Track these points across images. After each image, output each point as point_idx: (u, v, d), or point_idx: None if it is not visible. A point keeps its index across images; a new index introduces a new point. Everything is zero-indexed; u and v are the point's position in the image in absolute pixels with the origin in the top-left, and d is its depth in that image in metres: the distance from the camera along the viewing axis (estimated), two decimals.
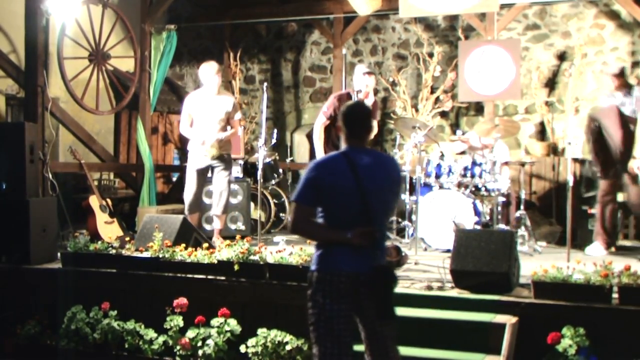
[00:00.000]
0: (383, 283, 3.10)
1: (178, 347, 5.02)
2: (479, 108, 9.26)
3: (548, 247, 7.05)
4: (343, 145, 3.31)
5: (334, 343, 3.11)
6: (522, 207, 6.78)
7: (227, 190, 6.71)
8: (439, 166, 6.73)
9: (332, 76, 9.63)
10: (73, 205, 7.35)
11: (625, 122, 6.22)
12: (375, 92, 9.50)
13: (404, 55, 9.81)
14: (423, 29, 9.55)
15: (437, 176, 6.71)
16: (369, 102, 6.48)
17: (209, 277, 5.18)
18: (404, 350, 3.39)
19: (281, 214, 8.38)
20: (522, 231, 6.60)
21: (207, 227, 7.50)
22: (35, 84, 6.78)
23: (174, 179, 9.95)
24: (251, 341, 4.86)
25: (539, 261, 5.19)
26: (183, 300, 5.11)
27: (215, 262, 5.18)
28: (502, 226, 6.55)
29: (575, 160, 7.04)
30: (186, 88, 10.42)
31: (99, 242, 5.75)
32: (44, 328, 5.56)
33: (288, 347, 4.74)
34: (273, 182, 8.16)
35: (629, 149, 6.18)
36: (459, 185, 6.64)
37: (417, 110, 9.09)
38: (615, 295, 4.27)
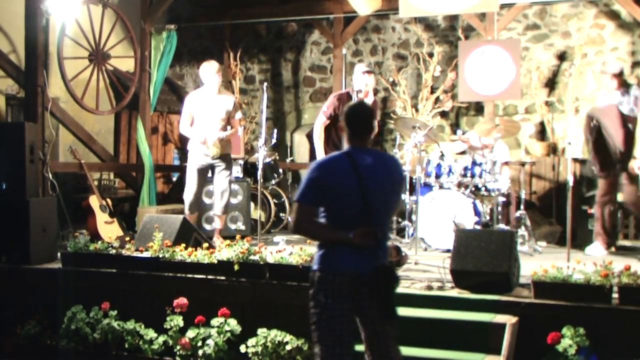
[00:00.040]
0: (385, 283, 3.11)
1: (178, 347, 5.02)
2: (479, 108, 9.26)
3: (548, 247, 7.05)
4: (345, 145, 3.31)
5: (335, 342, 3.11)
6: (522, 207, 6.78)
7: (228, 190, 6.72)
8: (439, 166, 6.73)
9: (332, 76, 9.63)
10: (73, 205, 7.35)
11: (625, 121, 6.22)
12: (375, 92, 9.48)
13: (404, 55, 9.82)
14: (423, 29, 9.55)
15: (437, 176, 6.71)
16: (368, 101, 6.47)
17: (209, 277, 5.18)
18: (404, 350, 3.39)
19: (281, 214, 8.38)
20: (522, 231, 6.60)
21: (207, 227, 7.50)
22: (35, 84, 6.78)
23: (174, 179, 9.95)
24: (251, 341, 4.86)
25: (539, 261, 5.19)
26: (183, 300, 5.11)
27: (215, 262, 5.18)
28: (502, 226, 6.55)
29: (575, 160, 7.04)
30: (186, 88, 10.42)
31: (99, 242, 5.75)
32: (44, 328, 5.56)
33: (288, 347, 4.75)
34: (273, 182, 8.16)
35: (630, 148, 6.18)
36: (459, 185, 6.64)
37: (417, 110, 9.09)
38: (615, 295, 4.27)
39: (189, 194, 6.64)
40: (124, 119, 9.15)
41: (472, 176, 6.56)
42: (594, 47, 8.83)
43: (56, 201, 6.52)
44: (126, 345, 5.23)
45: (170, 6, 9.01)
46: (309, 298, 3.20)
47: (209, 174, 6.83)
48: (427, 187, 6.84)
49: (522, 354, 4.22)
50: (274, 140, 8.34)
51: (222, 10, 9.75)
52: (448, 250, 5.63)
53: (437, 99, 9.11)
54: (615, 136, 6.20)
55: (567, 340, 4.12)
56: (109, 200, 7.26)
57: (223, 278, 5.13)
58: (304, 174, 3.26)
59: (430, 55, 9.15)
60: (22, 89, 7.37)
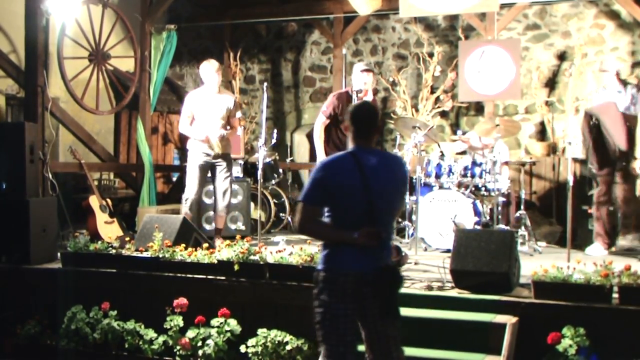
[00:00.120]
0: (389, 283, 3.12)
1: (178, 347, 5.02)
2: (479, 108, 9.26)
3: (548, 247, 7.06)
4: (350, 145, 3.31)
5: (339, 342, 3.13)
6: (522, 207, 6.79)
7: (229, 190, 6.72)
8: (439, 166, 6.73)
9: (332, 76, 9.63)
10: (73, 205, 7.35)
11: (625, 119, 6.22)
12: (375, 92, 9.50)
13: (404, 55, 9.81)
14: (423, 29, 9.55)
15: (437, 176, 6.71)
16: (367, 100, 6.46)
17: (209, 277, 5.18)
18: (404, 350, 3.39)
19: (281, 214, 8.38)
20: (522, 231, 6.60)
21: (207, 227, 7.50)
22: (35, 84, 6.78)
23: (174, 179, 9.95)
24: (251, 341, 4.86)
25: (539, 261, 5.19)
26: (183, 300, 5.11)
27: (215, 262, 5.18)
28: (502, 226, 6.55)
29: (575, 160, 7.03)
30: (186, 88, 10.42)
31: (99, 242, 5.75)
32: (44, 328, 5.56)
33: (288, 347, 4.75)
34: (273, 182, 8.16)
35: (631, 146, 6.18)
36: (459, 185, 6.64)
37: (417, 110, 9.09)
38: (615, 295, 4.27)
39: (190, 193, 6.61)
40: (124, 119, 9.15)
41: (472, 176, 6.57)
42: (594, 47, 8.83)
43: (56, 201, 6.51)
44: (126, 345, 5.23)
45: (170, 6, 9.01)
46: (313, 297, 3.21)
47: (209, 174, 6.83)
48: (427, 187, 6.84)
49: (522, 354, 4.22)
50: (274, 140, 8.33)
51: (222, 10, 9.75)
52: (448, 250, 5.63)
53: (437, 99, 9.11)
54: (615, 134, 6.18)
55: (567, 340, 4.12)
56: (109, 200, 7.26)
57: (223, 278, 5.12)
58: (305, 173, 3.26)
59: (430, 55, 9.14)
60: (22, 89, 7.37)
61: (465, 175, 6.59)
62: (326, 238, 3.24)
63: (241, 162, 8.31)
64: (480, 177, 6.54)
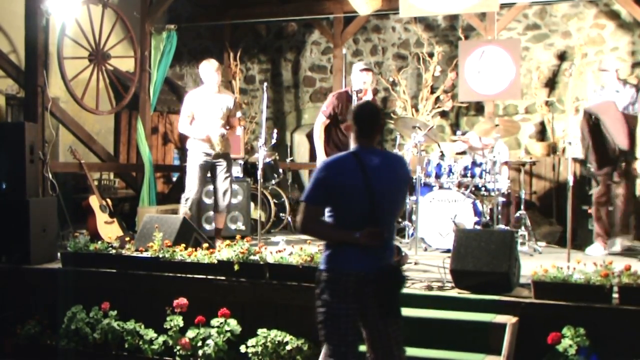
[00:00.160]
0: (391, 282, 3.13)
1: (178, 347, 5.02)
2: (479, 108, 9.26)
3: (548, 247, 7.05)
4: (352, 145, 3.31)
5: (341, 341, 3.14)
6: (522, 207, 6.79)
7: (230, 190, 6.71)
8: (439, 166, 6.73)
9: (332, 76, 9.63)
10: (73, 205, 7.35)
11: (626, 118, 6.21)
12: (375, 92, 9.51)
13: (404, 55, 9.81)
14: (423, 29, 9.55)
15: (437, 176, 6.71)
16: (367, 99, 6.45)
17: (209, 277, 5.18)
18: None
19: (281, 214, 8.38)
20: (522, 231, 6.60)
21: (207, 227, 7.50)
22: (35, 84, 6.78)
23: (174, 179, 9.95)
24: (251, 341, 4.86)
25: (539, 261, 5.19)
26: (183, 300, 5.11)
27: (215, 262, 5.18)
28: (502, 226, 6.55)
29: (575, 160, 7.03)
30: (186, 88, 10.41)
31: (99, 242, 5.75)
32: (44, 328, 5.56)
33: (288, 347, 4.74)
34: (273, 182, 8.16)
35: (632, 146, 6.18)
36: (459, 185, 6.64)
37: (417, 110, 9.09)
38: (615, 295, 4.27)
39: (190, 192, 6.60)
40: (124, 119, 9.15)
41: (472, 176, 6.57)
42: (594, 47, 8.83)
43: (56, 201, 6.52)
44: (126, 345, 5.23)
45: (170, 6, 9.01)
46: (315, 297, 3.21)
47: (208, 174, 6.82)
48: (427, 187, 6.84)
49: (522, 354, 4.22)
50: (274, 140, 8.33)
51: (222, 10, 9.74)
52: (448, 250, 5.63)
53: (437, 99, 9.11)
54: (615, 134, 6.17)
55: (567, 340, 4.12)
56: (109, 200, 7.26)
57: (223, 278, 5.12)
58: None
59: (431, 55, 9.14)
60: (22, 89, 7.37)
61: (465, 175, 6.59)
62: (328, 238, 3.24)
63: (241, 162, 8.31)
64: (480, 177, 6.54)
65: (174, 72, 10.83)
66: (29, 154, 6.05)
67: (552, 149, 8.50)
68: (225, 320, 4.98)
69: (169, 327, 5.10)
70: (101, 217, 7.03)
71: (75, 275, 5.62)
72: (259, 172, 6.61)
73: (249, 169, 8.29)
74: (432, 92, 9.13)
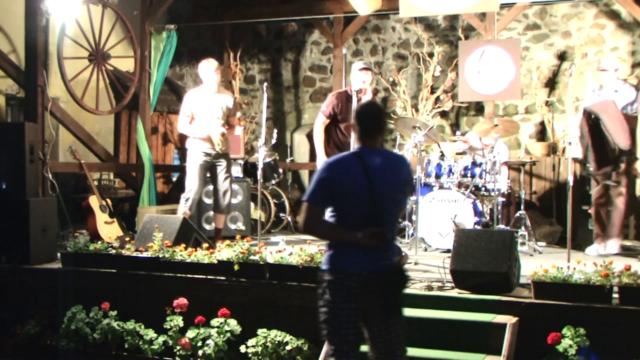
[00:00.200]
0: (394, 282, 3.13)
1: (178, 347, 5.02)
2: (479, 108, 9.26)
3: (548, 247, 7.05)
4: (355, 144, 3.31)
5: (343, 341, 3.14)
6: (522, 207, 6.78)
7: (230, 190, 6.71)
8: (439, 166, 6.73)
9: (332, 76, 9.62)
10: (73, 205, 7.35)
11: (626, 117, 6.21)
12: (375, 92, 9.52)
13: (404, 55, 9.81)
14: (423, 29, 9.55)
15: (437, 176, 6.71)
16: (366, 99, 6.45)
17: (209, 277, 5.18)
18: None
19: (281, 214, 8.39)
20: (522, 231, 6.60)
21: (207, 227, 7.50)
22: (35, 84, 6.78)
23: (174, 179, 9.94)
24: (251, 341, 4.86)
25: (539, 261, 5.19)
26: (183, 300, 5.11)
27: (215, 262, 5.18)
28: (502, 226, 6.55)
29: (575, 160, 7.03)
30: (186, 88, 10.40)
31: (99, 242, 5.76)
32: (44, 328, 5.56)
33: (288, 347, 4.75)
34: (273, 182, 8.16)
35: (633, 145, 6.17)
36: (459, 185, 6.64)
37: (417, 110, 9.09)
38: (615, 295, 4.27)
39: (190, 192, 6.60)
40: (124, 119, 9.15)
41: (472, 176, 6.57)
42: (594, 47, 8.83)
43: (56, 201, 6.52)
44: (126, 346, 5.23)
45: (170, 6, 9.00)
46: (317, 297, 3.21)
47: (208, 174, 6.82)
48: (427, 187, 6.84)
49: (522, 354, 4.22)
50: (274, 140, 8.34)
51: (222, 10, 9.74)
52: (448, 251, 5.63)
53: (437, 99, 9.11)
54: (615, 133, 6.15)
55: (567, 340, 4.12)
56: (109, 200, 7.26)
57: (223, 278, 5.13)
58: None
59: (430, 55, 9.14)
60: (22, 89, 7.37)
61: (465, 175, 6.59)
62: (331, 238, 3.24)
63: (241, 162, 8.31)
64: (480, 177, 6.54)
65: (174, 72, 10.83)
66: (29, 154, 6.05)
67: (552, 149, 8.49)
68: (225, 321, 4.98)
69: (169, 327, 5.10)
70: (101, 217, 7.03)
71: (75, 275, 5.62)
72: (259, 172, 6.61)
73: (249, 169, 8.28)
74: (432, 92, 9.13)
